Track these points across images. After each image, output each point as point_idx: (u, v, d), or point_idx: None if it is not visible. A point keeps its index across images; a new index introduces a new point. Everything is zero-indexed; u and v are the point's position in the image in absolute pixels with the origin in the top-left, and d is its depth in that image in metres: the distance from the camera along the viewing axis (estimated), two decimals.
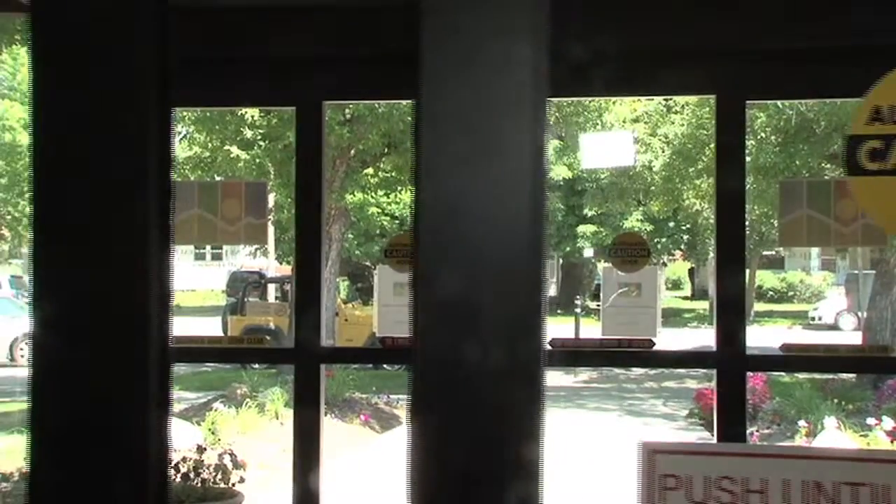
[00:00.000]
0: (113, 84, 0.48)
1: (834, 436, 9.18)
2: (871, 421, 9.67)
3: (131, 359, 0.48)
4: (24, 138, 17.05)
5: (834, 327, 23.04)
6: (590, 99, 13.89)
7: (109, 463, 0.48)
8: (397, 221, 20.62)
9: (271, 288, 19.81)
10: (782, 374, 12.07)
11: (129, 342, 0.48)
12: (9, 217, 17.72)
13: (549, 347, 2.62)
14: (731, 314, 2.60)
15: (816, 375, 11.28)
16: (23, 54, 15.24)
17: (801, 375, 11.42)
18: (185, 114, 11.73)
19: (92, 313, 0.47)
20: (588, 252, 28.38)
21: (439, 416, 0.44)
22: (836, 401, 10.73)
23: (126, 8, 0.48)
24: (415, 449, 0.44)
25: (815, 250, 30.55)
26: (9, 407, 11.52)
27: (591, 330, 21.46)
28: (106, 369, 0.47)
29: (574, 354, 2.76)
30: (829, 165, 13.13)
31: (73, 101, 0.48)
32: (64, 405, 0.47)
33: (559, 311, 28.45)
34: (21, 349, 16.22)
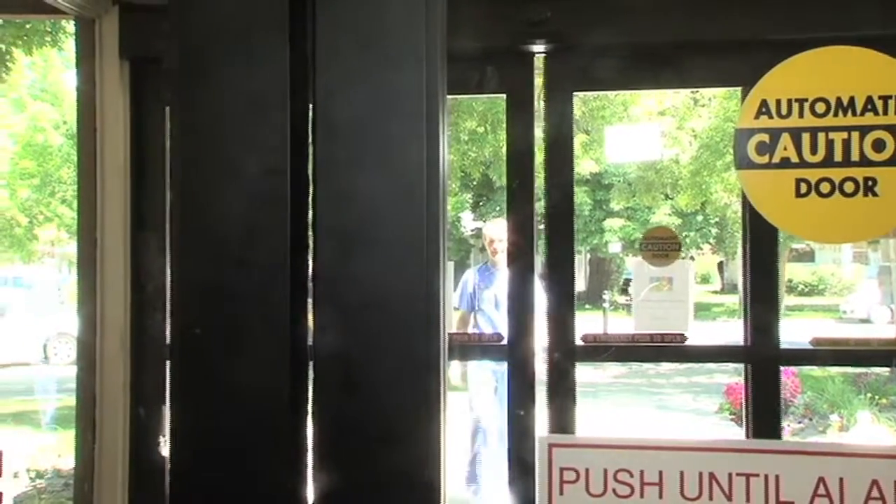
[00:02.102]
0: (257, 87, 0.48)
1: (868, 430, 9.07)
2: None
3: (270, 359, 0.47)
4: (56, 139, 17.23)
5: (866, 321, 22.73)
6: (616, 93, 13.81)
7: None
8: None
9: None
10: (814, 368, 11.94)
11: (269, 342, 0.48)
12: (41, 217, 17.93)
13: (580, 342, 2.61)
14: (762, 308, 2.58)
15: (849, 369, 11.15)
16: (53, 56, 15.41)
17: (833, 369, 11.29)
18: None
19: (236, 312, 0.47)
20: (615, 247, 28.21)
21: (341, 408, 0.44)
22: (869, 395, 10.60)
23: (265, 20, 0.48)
24: (321, 439, 0.44)
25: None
26: (44, 405, 11.67)
27: (620, 324, 21.35)
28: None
29: (605, 349, 2.74)
30: None
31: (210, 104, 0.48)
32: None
33: (587, 306, 28.30)
34: (55, 348, 16.42)
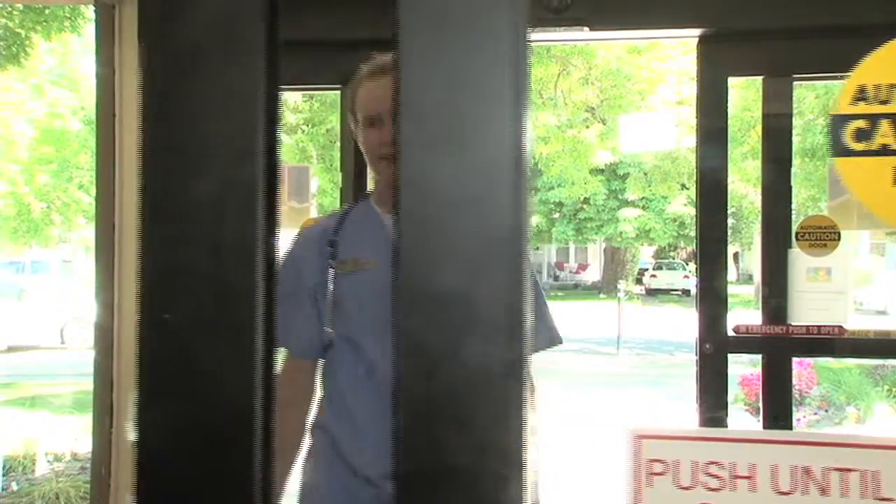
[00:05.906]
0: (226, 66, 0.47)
1: (885, 422, 9.03)
2: None
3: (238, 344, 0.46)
4: (74, 124, 17.31)
5: (883, 312, 22.55)
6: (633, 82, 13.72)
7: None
8: None
9: None
10: (830, 359, 11.87)
11: (235, 327, 0.47)
12: (58, 202, 18.03)
13: (732, 334, 2.60)
14: (777, 298, 2.57)
15: (865, 361, 11.08)
16: (72, 42, 15.45)
17: (850, 361, 11.22)
18: None
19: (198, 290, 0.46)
20: (631, 235, 28.05)
21: (419, 405, 0.44)
22: (886, 387, 10.54)
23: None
24: (402, 434, 0.43)
25: (863, 233, 29.88)
26: (61, 388, 11.77)
27: (631, 313, 21.27)
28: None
29: (758, 342, 2.67)
30: None
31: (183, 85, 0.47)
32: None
33: (602, 295, 28.24)
34: (71, 332, 16.54)
